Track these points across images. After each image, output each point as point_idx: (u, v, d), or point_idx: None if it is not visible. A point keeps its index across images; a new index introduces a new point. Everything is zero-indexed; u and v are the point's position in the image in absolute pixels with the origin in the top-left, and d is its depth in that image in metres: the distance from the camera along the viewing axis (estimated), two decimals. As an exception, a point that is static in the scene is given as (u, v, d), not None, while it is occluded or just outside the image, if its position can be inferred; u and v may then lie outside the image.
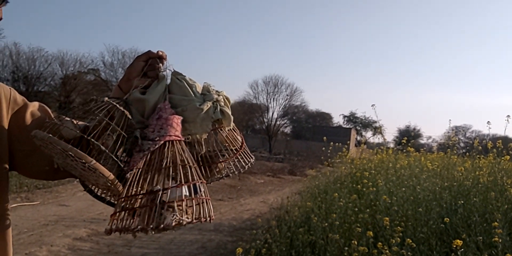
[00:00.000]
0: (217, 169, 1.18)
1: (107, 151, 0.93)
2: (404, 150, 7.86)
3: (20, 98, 1.11)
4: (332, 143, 9.50)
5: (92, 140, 0.93)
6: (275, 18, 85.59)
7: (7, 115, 1.07)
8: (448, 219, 3.54)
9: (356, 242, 3.43)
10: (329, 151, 9.41)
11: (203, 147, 1.12)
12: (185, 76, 1.08)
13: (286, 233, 4.75)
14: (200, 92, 1.09)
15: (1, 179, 1.04)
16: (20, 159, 1.08)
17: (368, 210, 4.64)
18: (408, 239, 3.21)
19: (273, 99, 41.90)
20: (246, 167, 1.19)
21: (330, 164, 10.01)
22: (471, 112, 78.84)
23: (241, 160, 1.19)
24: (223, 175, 1.21)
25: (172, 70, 1.08)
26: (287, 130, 50.50)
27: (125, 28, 74.36)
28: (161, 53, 1.09)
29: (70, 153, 0.87)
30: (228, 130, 1.17)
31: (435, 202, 4.35)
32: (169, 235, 6.20)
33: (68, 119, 0.99)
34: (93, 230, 6.14)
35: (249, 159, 1.21)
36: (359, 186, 5.79)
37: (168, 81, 1.09)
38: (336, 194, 5.18)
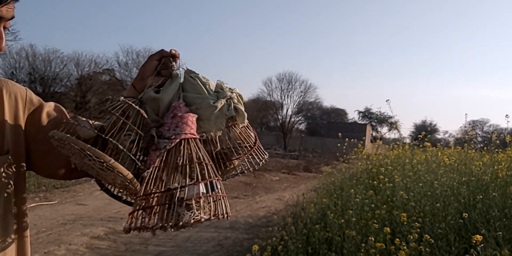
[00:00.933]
0: (232, 166, 1.18)
1: (125, 150, 0.93)
2: (421, 145, 7.77)
3: (36, 99, 1.12)
4: (347, 139, 9.44)
5: (110, 139, 0.93)
6: (288, 15, 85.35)
7: (24, 115, 1.08)
8: (466, 214, 3.48)
9: (373, 239, 3.39)
10: (344, 147, 9.36)
11: (218, 144, 1.12)
12: (198, 74, 1.08)
13: (302, 230, 4.73)
14: (213, 90, 1.09)
15: (18, 179, 1.05)
16: (36, 159, 1.09)
17: (385, 206, 4.59)
18: (426, 235, 3.17)
19: (287, 96, 41.78)
20: (261, 163, 1.19)
21: (345, 160, 9.95)
22: (489, 106, 77.76)
23: (256, 157, 1.18)
24: (238, 172, 1.21)
25: (186, 69, 1.08)
26: (302, 127, 50.37)
27: (139, 28, 74.87)
28: (174, 51, 1.09)
29: (89, 152, 0.87)
30: (242, 127, 1.17)
31: (453, 198, 4.28)
32: (186, 233, 6.23)
33: (84, 119, 0.99)
34: (111, 229, 6.20)
35: (263, 155, 1.20)
36: (375, 182, 5.73)
37: (182, 79, 1.09)
38: (352, 190, 5.14)
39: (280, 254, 4.30)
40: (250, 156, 1.18)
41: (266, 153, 1.21)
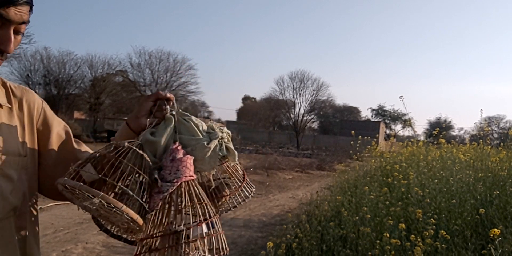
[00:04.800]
0: (224, 200, 1.25)
1: (134, 195, 0.97)
2: (435, 142, 7.69)
3: (50, 113, 1.20)
4: (360, 137, 9.38)
5: (121, 186, 0.97)
6: (299, 15, 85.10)
7: (36, 125, 1.14)
8: (483, 210, 3.44)
9: (388, 235, 3.37)
10: (357, 145, 9.31)
11: (212, 182, 1.21)
12: (191, 116, 1.15)
13: (317, 228, 4.72)
14: (205, 130, 1.16)
15: (33, 181, 1.11)
16: (40, 173, 1.14)
17: (399, 203, 4.56)
18: (442, 231, 3.14)
19: (300, 94, 41.69)
20: (250, 197, 1.27)
21: (359, 158, 9.90)
22: (505, 102, 76.67)
23: (245, 190, 1.26)
24: (230, 206, 1.28)
25: (179, 111, 1.15)
26: (315, 125, 50.24)
27: (151, 29, 75.30)
28: (169, 95, 1.15)
29: (102, 200, 0.90)
30: (232, 165, 1.24)
31: (469, 194, 4.24)
32: (200, 231, 6.26)
33: (88, 163, 1.02)
34: (126, 228, 6.24)
35: (251, 188, 1.28)
36: (389, 179, 5.69)
37: (175, 121, 1.16)
38: (367, 187, 5.11)
39: (295, 252, 4.29)
40: (240, 190, 1.25)
41: (253, 186, 1.29)
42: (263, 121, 47.61)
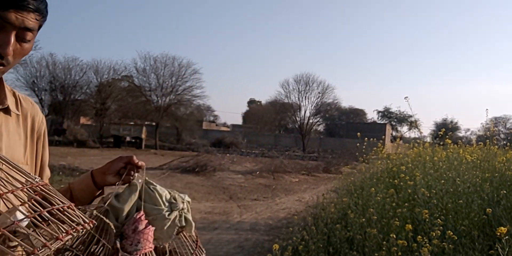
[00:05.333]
0: None
1: None
2: (442, 143, 7.64)
3: (45, 133, 1.23)
4: (366, 138, 9.35)
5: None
6: (303, 17, 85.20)
7: (35, 139, 1.18)
8: (490, 210, 3.41)
9: (394, 236, 3.35)
10: (364, 147, 9.27)
11: (167, 251, 1.25)
12: (156, 185, 1.20)
13: (323, 230, 4.70)
14: (168, 199, 1.21)
15: None
16: None
17: (406, 204, 4.53)
18: (449, 232, 3.12)
19: (305, 97, 41.57)
20: None
21: (365, 160, 9.87)
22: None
23: (197, 254, 1.31)
24: None
25: (145, 179, 1.20)
26: (320, 128, 50.06)
27: (156, 34, 75.63)
28: (140, 163, 1.20)
29: None
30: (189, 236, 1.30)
31: (476, 194, 4.21)
32: (206, 235, 6.25)
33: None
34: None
35: (202, 253, 1.32)
36: (396, 181, 5.66)
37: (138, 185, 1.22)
38: (373, 189, 5.09)
39: (301, 254, 4.28)
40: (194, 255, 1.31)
41: (204, 250, 1.34)
42: (268, 125, 47.57)
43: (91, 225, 0.84)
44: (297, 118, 41.85)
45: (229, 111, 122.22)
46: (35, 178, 0.85)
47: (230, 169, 16.63)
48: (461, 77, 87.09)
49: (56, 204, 0.81)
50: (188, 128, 34.26)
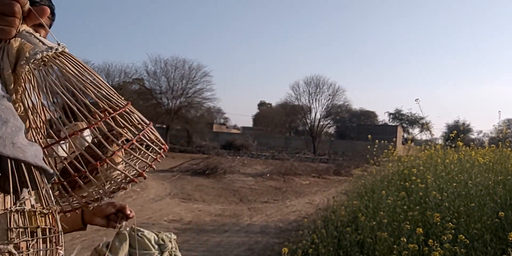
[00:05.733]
0: None
1: None
2: (453, 145, 7.57)
3: None
4: (377, 141, 9.29)
5: None
6: (313, 20, 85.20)
7: None
8: (503, 213, 3.36)
9: (405, 240, 3.32)
10: (374, 149, 9.21)
11: None
12: (144, 231, 1.24)
13: (333, 233, 4.67)
14: (157, 241, 1.26)
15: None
16: None
17: (417, 207, 4.49)
18: (461, 235, 3.08)
19: (315, 99, 41.51)
20: None
21: (376, 162, 9.80)
22: (525, 104, 75.20)
23: None
24: None
25: (133, 227, 1.24)
26: (331, 130, 49.90)
27: (166, 37, 76.16)
28: (132, 215, 1.26)
29: None
30: None
31: (488, 197, 4.15)
32: (216, 238, 6.25)
33: None
34: (143, 234, 6.27)
35: None
36: (407, 184, 5.62)
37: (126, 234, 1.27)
38: (384, 192, 5.05)
39: (311, 258, 4.25)
40: None
41: None
42: (279, 127, 47.50)
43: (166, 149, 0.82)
44: (308, 120, 41.79)
45: (239, 113, 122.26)
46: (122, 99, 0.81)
47: (240, 171, 16.64)
48: (474, 78, 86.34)
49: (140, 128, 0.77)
50: (199, 130, 34.35)
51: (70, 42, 0.77)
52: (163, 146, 0.83)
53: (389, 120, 54.07)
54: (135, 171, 0.78)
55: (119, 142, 0.75)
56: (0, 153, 0.61)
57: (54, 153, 0.73)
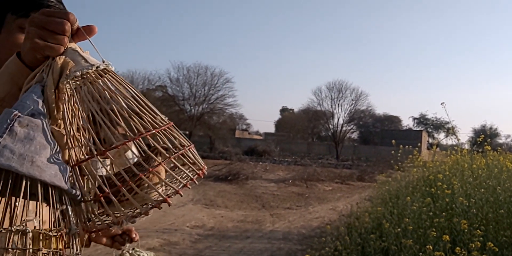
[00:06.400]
0: None
1: None
2: (481, 150, 7.39)
3: None
4: (401, 146, 9.15)
5: None
6: (336, 25, 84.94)
7: None
8: (534, 221, 3.25)
9: (431, 247, 3.23)
10: (399, 154, 9.07)
11: None
12: (142, 252, 1.25)
13: (357, 240, 4.59)
14: None
15: None
16: None
17: (443, 213, 4.38)
18: (490, 243, 2.98)
19: (338, 104, 41.24)
20: None
21: (400, 168, 9.64)
22: (555, 108, 73.21)
23: None
24: None
25: (135, 249, 1.25)
26: (354, 135, 49.51)
27: (189, 44, 77.05)
28: (137, 239, 1.28)
29: None
30: None
31: (518, 204, 4.02)
32: (239, 244, 6.23)
33: None
34: (165, 240, 6.30)
35: None
36: (433, 189, 5.50)
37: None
38: (409, 198, 4.95)
39: (334, 265, 4.19)
40: None
41: None
42: (301, 133, 47.35)
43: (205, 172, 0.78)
44: (330, 126, 41.54)
45: (261, 119, 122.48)
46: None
47: (262, 177, 16.60)
48: (501, 81, 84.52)
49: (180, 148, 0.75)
50: (221, 136, 34.53)
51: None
52: (202, 168, 0.79)
53: (413, 125, 53.38)
54: (170, 190, 0.76)
55: (159, 159, 0.73)
56: (16, 171, 0.61)
57: (94, 169, 0.71)
